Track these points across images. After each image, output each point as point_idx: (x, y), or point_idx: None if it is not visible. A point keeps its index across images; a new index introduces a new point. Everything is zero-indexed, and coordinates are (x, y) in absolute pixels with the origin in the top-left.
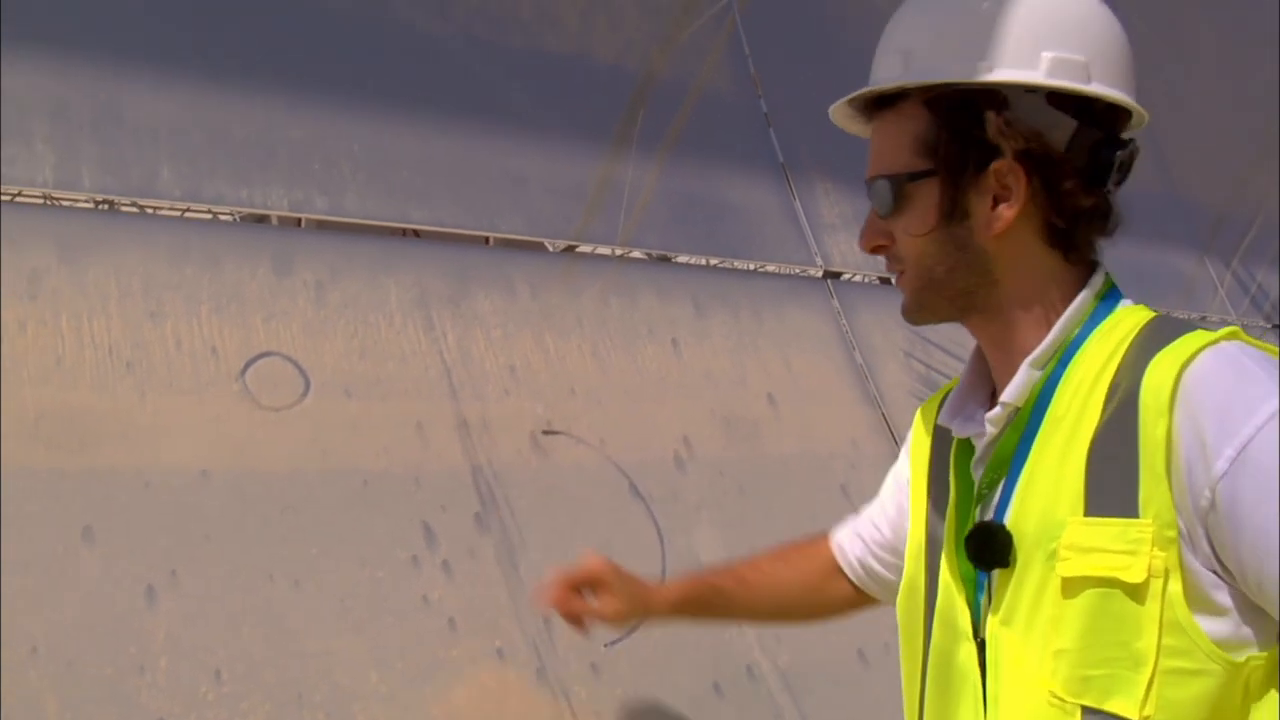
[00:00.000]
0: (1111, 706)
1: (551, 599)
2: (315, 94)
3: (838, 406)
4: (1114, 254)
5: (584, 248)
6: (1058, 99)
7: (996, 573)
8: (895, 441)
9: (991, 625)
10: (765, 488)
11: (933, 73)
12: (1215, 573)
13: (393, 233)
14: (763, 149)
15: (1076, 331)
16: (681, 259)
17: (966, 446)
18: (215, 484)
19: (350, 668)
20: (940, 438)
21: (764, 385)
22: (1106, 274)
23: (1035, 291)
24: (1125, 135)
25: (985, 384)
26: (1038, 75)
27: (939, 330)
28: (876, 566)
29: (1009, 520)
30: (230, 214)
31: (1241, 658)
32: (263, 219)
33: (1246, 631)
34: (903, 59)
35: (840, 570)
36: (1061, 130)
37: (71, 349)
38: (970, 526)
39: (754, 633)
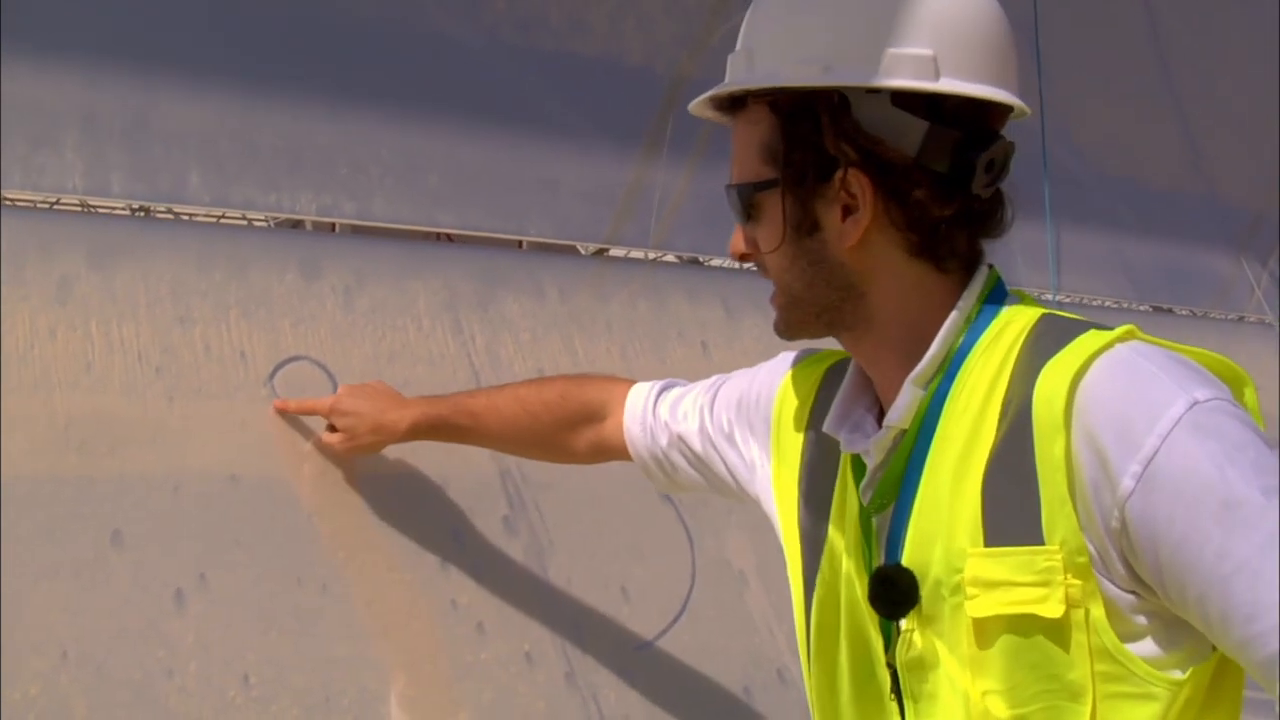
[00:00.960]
0: None
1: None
2: (343, 99)
3: None
4: (1149, 254)
5: (615, 251)
6: (904, 99)
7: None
8: None
9: (903, 664)
10: None
11: (770, 75)
12: (1134, 593)
13: (421, 237)
14: None
15: (960, 341)
16: (712, 262)
17: (860, 460)
18: (244, 489)
19: (378, 672)
20: (816, 428)
21: None
22: (990, 269)
23: (906, 304)
24: (1003, 129)
25: (869, 389)
26: (877, 76)
27: None
28: (674, 463)
29: (906, 558)
30: (259, 219)
31: (1183, 675)
32: (291, 224)
33: (1176, 648)
34: (747, 58)
35: (596, 426)
36: (912, 133)
37: (101, 354)
38: (866, 568)
39: (785, 637)
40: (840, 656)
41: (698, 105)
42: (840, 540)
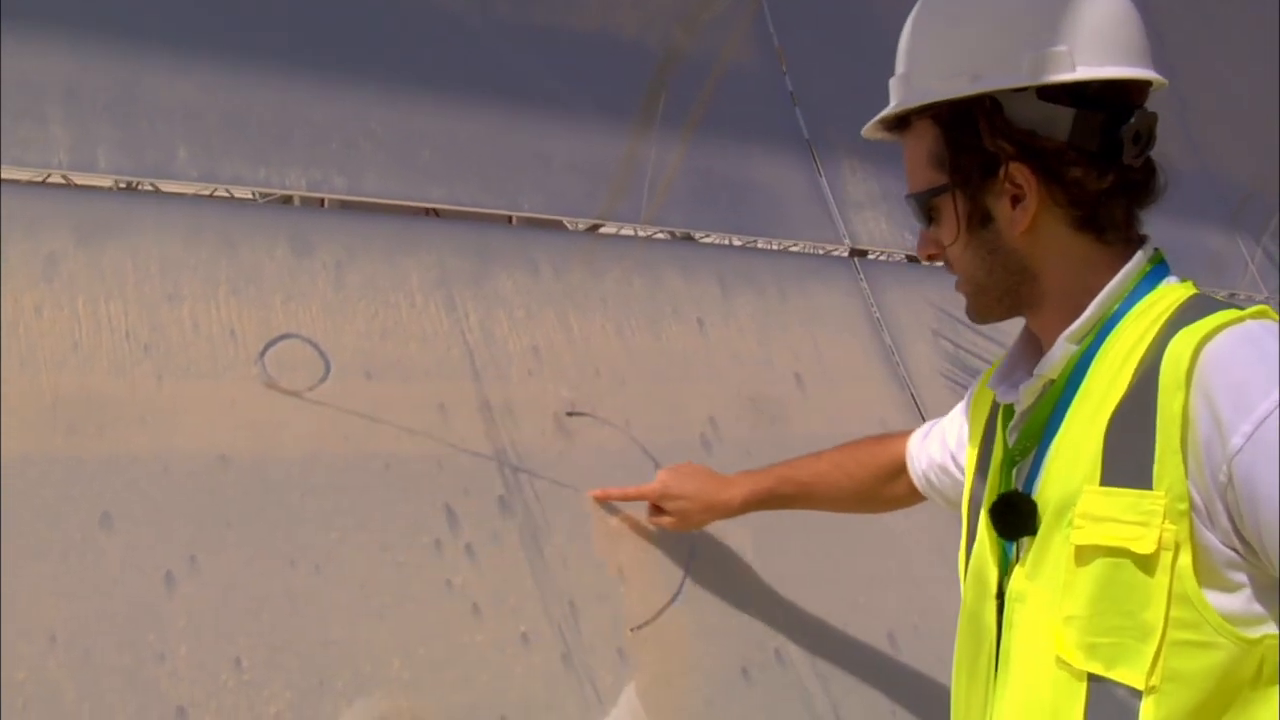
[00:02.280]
0: (1117, 675)
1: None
2: (333, 73)
3: (866, 386)
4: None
5: (608, 227)
6: (1048, 92)
7: (1025, 539)
8: (924, 420)
9: (1011, 587)
10: None
11: (924, 94)
12: (1234, 549)
13: (413, 212)
14: (788, 126)
15: (1116, 308)
16: (706, 238)
17: (1009, 411)
18: (235, 469)
19: (373, 654)
20: (995, 401)
21: (791, 365)
22: (1156, 250)
23: (1075, 277)
24: (1146, 101)
25: (1034, 354)
26: (1021, 77)
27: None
28: (935, 481)
29: (1036, 489)
30: (248, 194)
31: (1256, 634)
32: (281, 199)
33: (1259, 609)
34: (904, 82)
35: (905, 471)
36: (1061, 121)
37: (88, 333)
38: (996, 495)
39: (783, 616)
40: (968, 591)
41: (870, 129)
42: (987, 484)
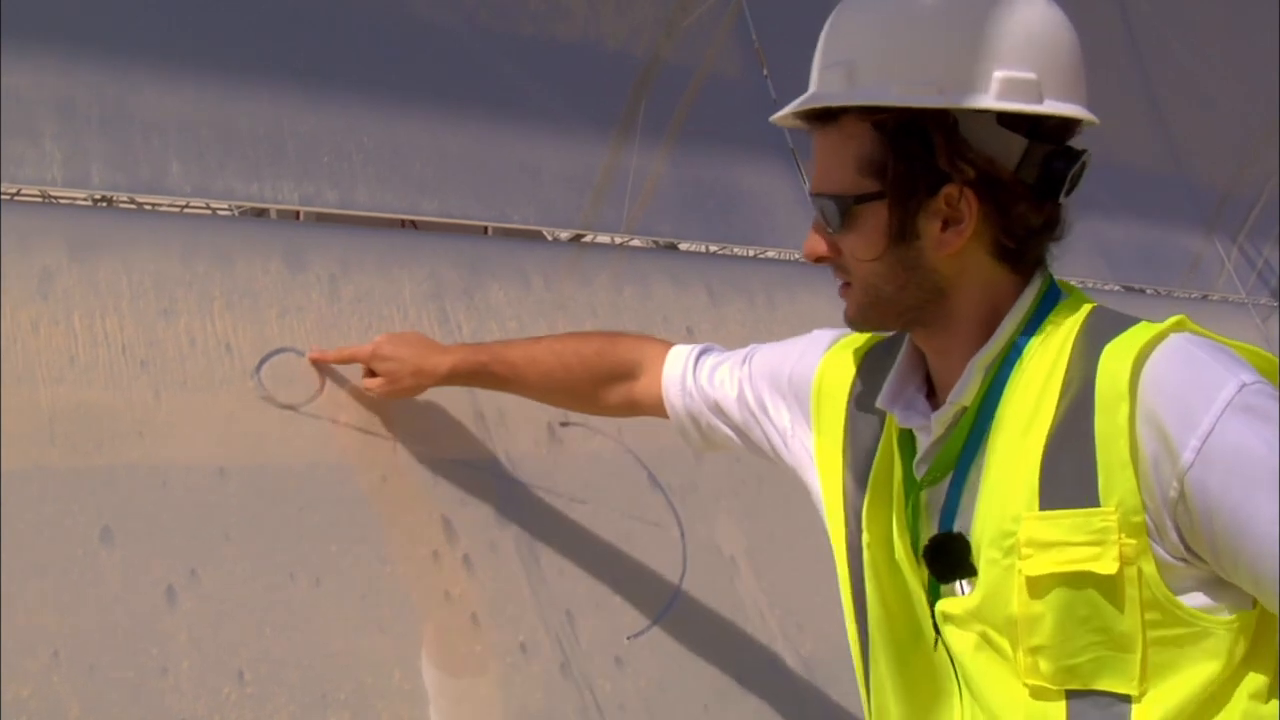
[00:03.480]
0: (1102, 685)
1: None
2: (323, 87)
3: None
4: (1122, 233)
5: (597, 237)
6: (1008, 119)
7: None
8: None
9: (948, 628)
10: (783, 477)
11: (879, 93)
12: (1184, 560)
13: (385, 224)
14: (772, 134)
15: (1020, 332)
16: (693, 246)
17: (908, 436)
18: (233, 482)
19: (374, 666)
20: (862, 405)
21: None
22: (1047, 271)
23: (983, 302)
24: (1074, 141)
25: (920, 370)
26: (988, 99)
27: None
28: (704, 426)
29: (959, 525)
30: (241, 209)
31: (1228, 616)
32: (274, 213)
33: (1221, 598)
34: (845, 72)
35: (628, 383)
36: (1013, 150)
37: (85, 348)
38: (919, 533)
39: (777, 623)
40: (886, 621)
41: (785, 116)
42: (884, 509)
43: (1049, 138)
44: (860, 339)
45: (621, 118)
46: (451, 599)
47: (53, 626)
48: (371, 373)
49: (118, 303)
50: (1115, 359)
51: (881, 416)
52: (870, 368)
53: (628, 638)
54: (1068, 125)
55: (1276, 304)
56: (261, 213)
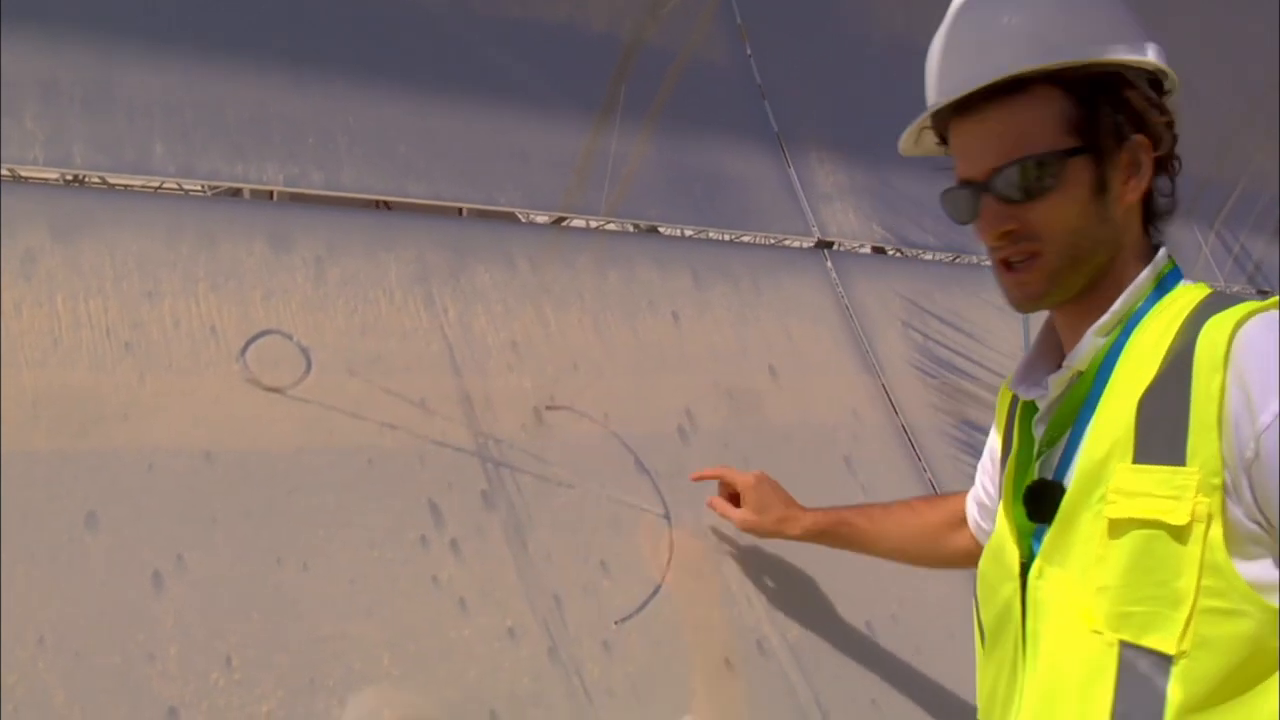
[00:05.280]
0: (1149, 641)
1: (711, 501)
2: (309, 68)
3: (838, 377)
4: None
5: (578, 220)
6: (1152, 82)
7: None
8: (896, 412)
9: (1036, 567)
10: (769, 460)
11: (1084, 53)
12: (1257, 523)
13: (359, 205)
14: (757, 118)
15: (1139, 304)
16: (677, 230)
17: (1031, 407)
18: (219, 466)
19: (362, 651)
20: (1015, 406)
21: (765, 357)
22: (1169, 255)
23: (1132, 265)
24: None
25: (1054, 353)
26: (1152, 59)
27: (935, 300)
28: (984, 523)
29: (1067, 477)
30: (225, 190)
31: (1277, 603)
32: (258, 194)
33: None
34: (1032, 43)
35: (965, 524)
36: (1161, 111)
37: (68, 330)
38: (1029, 481)
39: (763, 607)
40: (986, 574)
41: (954, 100)
42: (1012, 473)
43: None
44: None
45: (605, 99)
46: (439, 583)
47: (38, 613)
48: (734, 501)
49: (101, 284)
50: (1216, 329)
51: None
52: None
53: (615, 622)
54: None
55: (1254, 291)
56: (245, 194)
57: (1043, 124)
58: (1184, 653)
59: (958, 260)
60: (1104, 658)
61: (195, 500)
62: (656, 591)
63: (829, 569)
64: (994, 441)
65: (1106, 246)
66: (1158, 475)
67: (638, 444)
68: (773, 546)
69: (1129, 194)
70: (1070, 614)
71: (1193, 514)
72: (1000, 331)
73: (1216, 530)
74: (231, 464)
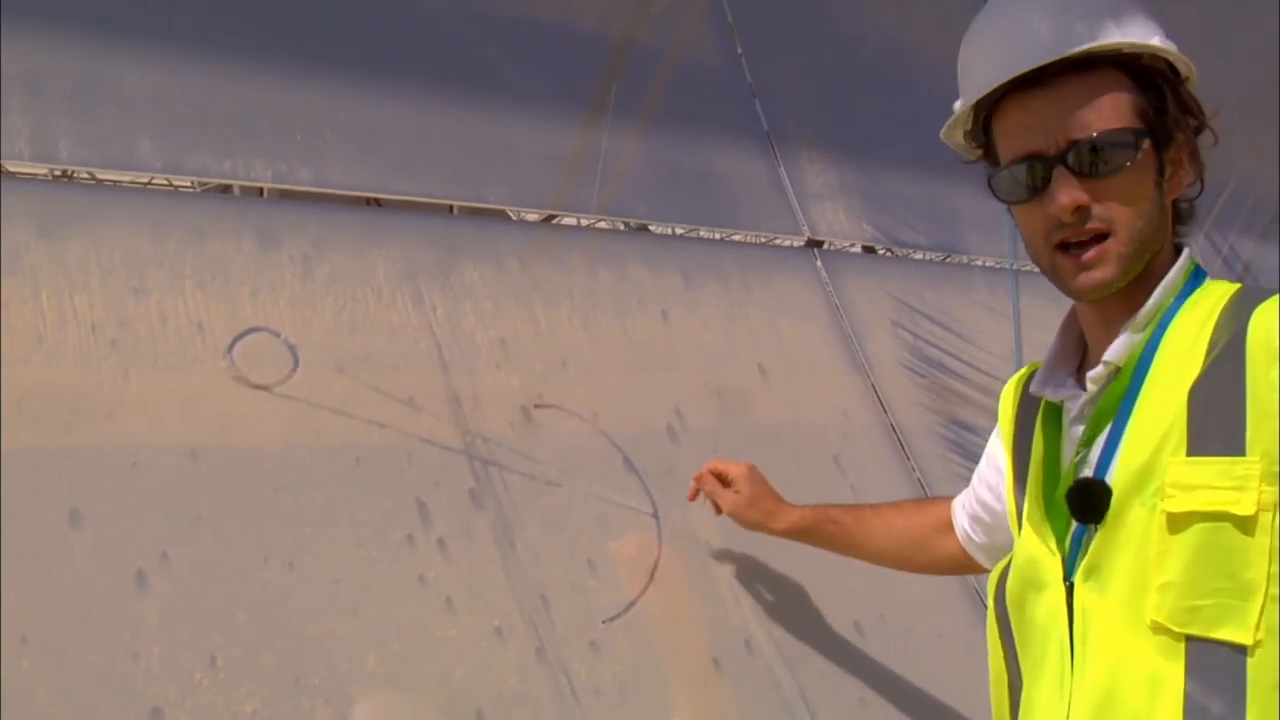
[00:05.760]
0: (1221, 634)
1: (697, 475)
2: (298, 64)
3: (828, 376)
4: None
5: (569, 218)
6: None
7: (1094, 525)
8: (885, 411)
9: (1084, 569)
10: (758, 459)
11: (1148, 39)
12: None
13: (348, 202)
14: (748, 117)
15: (1171, 300)
16: (667, 229)
17: (1053, 411)
18: (205, 464)
19: (348, 650)
20: (1025, 410)
21: (754, 355)
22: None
23: (1166, 262)
24: None
25: (1074, 355)
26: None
27: (925, 300)
28: (974, 534)
29: (1112, 475)
30: (212, 186)
31: None
32: (246, 191)
33: None
34: (1103, 23)
35: (951, 530)
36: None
37: (53, 327)
38: (1070, 482)
39: (750, 606)
40: (1015, 588)
41: (1039, 68)
42: (1038, 476)
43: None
44: (1024, 372)
45: (595, 98)
46: (426, 583)
47: (22, 612)
48: (725, 482)
49: (87, 280)
50: (1268, 315)
51: (1035, 420)
52: (1030, 384)
53: (603, 621)
54: None
55: None
56: (233, 190)
57: (1116, 104)
58: (1259, 642)
59: (948, 260)
60: (1169, 655)
61: (180, 498)
62: (644, 591)
63: (817, 569)
64: (996, 450)
65: (1161, 236)
66: (1216, 466)
67: (627, 443)
68: (761, 546)
69: (1174, 188)
70: (1127, 614)
71: (1259, 503)
72: (990, 331)
73: None
74: (218, 462)
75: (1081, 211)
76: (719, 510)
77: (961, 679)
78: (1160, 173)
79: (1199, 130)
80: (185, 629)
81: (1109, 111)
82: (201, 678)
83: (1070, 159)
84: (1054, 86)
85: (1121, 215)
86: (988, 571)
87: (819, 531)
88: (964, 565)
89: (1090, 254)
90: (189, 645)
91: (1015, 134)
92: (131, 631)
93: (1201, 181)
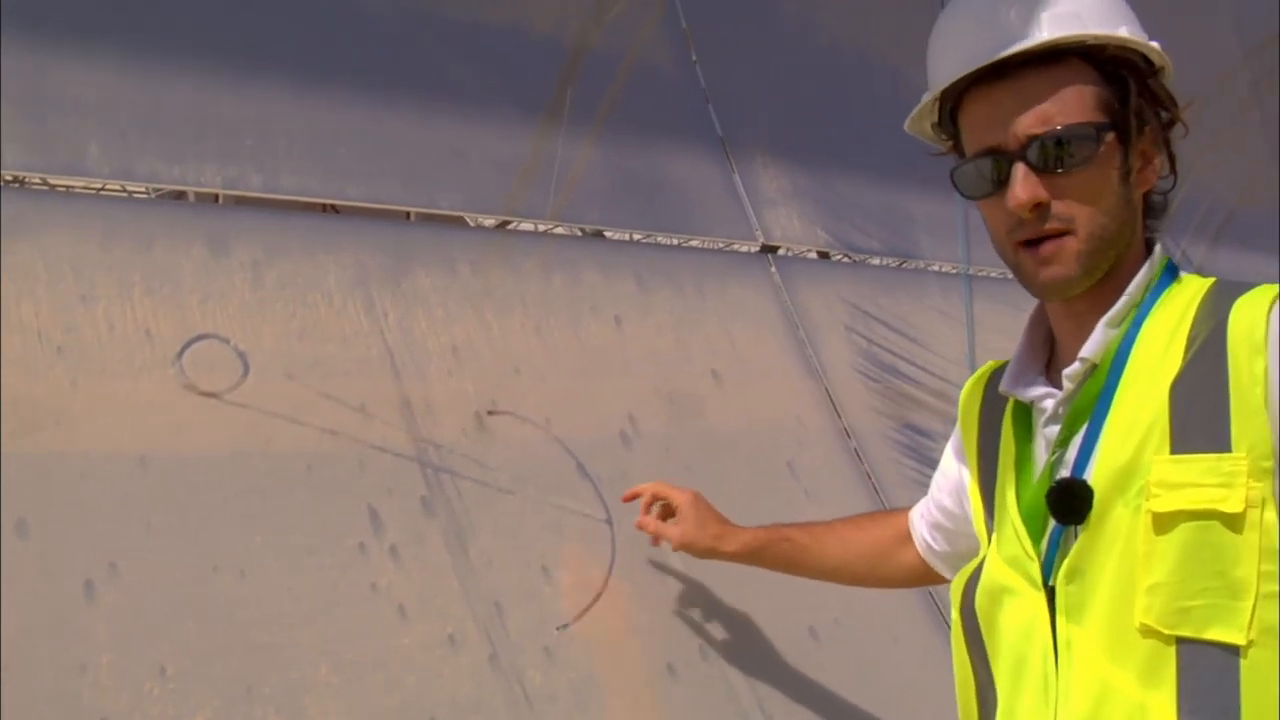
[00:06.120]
0: (1213, 634)
1: (639, 522)
2: (248, 68)
3: (782, 382)
4: None
5: (524, 224)
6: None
7: (1075, 527)
8: (839, 416)
9: (1066, 571)
10: (712, 465)
11: (1114, 30)
12: None
13: (328, 209)
14: (702, 123)
15: (1146, 295)
16: (621, 234)
17: (1023, 411)
18: (154, 472)
19: (300, 659)
20: (990, 410)
21: (708, 361)
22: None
23: (1136, 258)
24: None
25: (1042, 353)
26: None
27: (879, 305)
28: (934, 543)
29: (1091, 474)
30: (162, 192)
31: None
32: (196, 197)
33: None
34: (1070, 15)
35: (910, 541)
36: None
37: None
38: (1049, 483)
39: (705, 612)
40: (996, 585)
41: (1011, 54)
42: (1010, 478)
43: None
44: (984, 372)
45: (549, 104)
46: (378, 590)
47: None
48: (667, 517)
49: (34, 287)
50: (1249, 309)
51: (1002, 421)
52: (994, 383)
53: (557, 628)
54: None
55: None
56: (183, 196)
57: (1080, 97)
58: (1252, 642)
59: (904, 265)
60: (1160, 657)
61: (129, 507)
62: (598, 597)
63: (772, 575)
64: (957, 453)
65: (1128, 232)
66: (1202, 464)
67: (580, 449)
68: None
69: (1143, 182)
70: (1114, 616)
71: (1246, 500)
72: (944, 336)
73: (1271, 514)
74: (167, 470)
75: (1040, 209)
76: (666, 542)
77: (918, 683)
78: (1126, 167)
79: (1170, 123)
80: (135, 639)
81: (1071, 105)
82: (151, 688)
83: (1030, 154)
84: (1016, 79)
85: (1082, 213)
86: (949, 582)
87: (772, 550)
88: (924, 576)
89: (1047, 247)
90: (138, 655)
91: (978, 127)
92: (80, 642)
93: (1175, 174)
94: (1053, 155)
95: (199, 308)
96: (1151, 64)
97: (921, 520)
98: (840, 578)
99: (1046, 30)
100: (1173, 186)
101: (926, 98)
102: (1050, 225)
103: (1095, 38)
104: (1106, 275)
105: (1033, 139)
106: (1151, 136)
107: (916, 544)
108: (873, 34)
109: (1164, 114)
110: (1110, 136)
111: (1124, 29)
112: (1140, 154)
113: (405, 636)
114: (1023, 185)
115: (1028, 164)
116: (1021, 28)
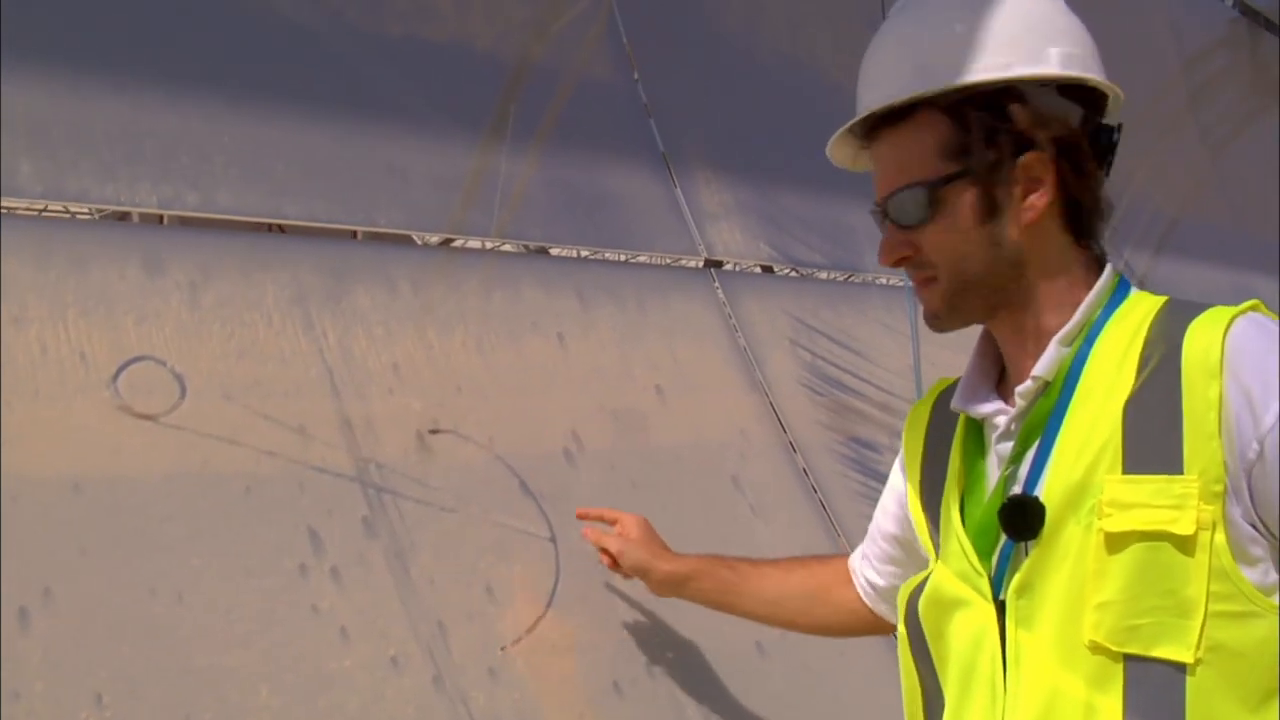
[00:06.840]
0: (1160, 652)
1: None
2: (183, 84)
3: (726, 396)
4: None
5: (468, 242)
6: (1065, 90)
7: (1025, 543)
8: (784, 429)
9: (1016, 587)
10: (657, 481)
11: (959, 76)
12: (1254, 526)
13: (268, 229)
14: (643, 138)
15: (1098, 313)
16: (563, 251)
17: (974, 428)
18: (88, 496)
19: (239, 683)
20: (938, 427)
21: (651, 377)
22: (1115, 269)
23: (1058, 277)
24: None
25: (993, 370)
26: (1053, 68)
27: (823, 318)
28: (878, 580)
29: (1043, 490)
30: (95, 212)
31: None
32: (130, 217)
33: (1275, 578)
34: (914, 71)
35: (850, 584)
36: (1073, 118)
37: None
38: (1001, 499)
39: (651, 629)
40: (943, 599)
41: (841, 133)
42: (955, 493)
43: (1095, 109)
44: (934, 391)
45: (491, 120)
46: (319, 612)
47: None
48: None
49: None
50: (1205, 332)
51: (951, 437)
52: (943, 402)
53: (501, 648)
54: (1100, 102)
55: None
56: (123, 217)
57: (921, 151)
58: (1200, 660)
59: (850, 279)
60: (1108, 673)
61: (64, 532)
62: (542, 616)
63: None
64: (901, 476)
65: (1004, 268)
66: (1153, 485)
67: (523, 467)
68: None
69: (1027, 213)
70: (1063, 632)
71: (1198, 523)
72: (888, 349)
73: (1221, 536)
74: (102, 494)
75: (908, 260)
76: (611, 561)
77: (866, 695)
78: (989, 208)
79: (1065, 139)
80: (70, 666)
81: (912, 162)
82: (87, 716)
83: (891, 212)
84: (878, 140)
85: (940, 260)
86: (891, 627)
87: (709, 574)
88: (862, 622)
89: (921, 291)
90: (74, 682)
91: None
92: (13, 670)
93: (1103, 177)
94: (905, 211)
95: (134, 329)
96: (1020, 93)
97: (864, 562)
98: (776, 614)
99: (893, 90)
100: (1098, 188)
101: (829, 149)
102: (917, 273)
103: (930, 93)
104: (1026, 302)
105: (887, 199)
106: (1033, 162)
107: (858, 588)
108: (814, 48)
109: (1041, 135)
110: (958, 183)
111: (972, 67)
112: (1020, 183)
113: (347, 658)
114: (884, 245)
115: (891, 221)
116: (876, 89)
